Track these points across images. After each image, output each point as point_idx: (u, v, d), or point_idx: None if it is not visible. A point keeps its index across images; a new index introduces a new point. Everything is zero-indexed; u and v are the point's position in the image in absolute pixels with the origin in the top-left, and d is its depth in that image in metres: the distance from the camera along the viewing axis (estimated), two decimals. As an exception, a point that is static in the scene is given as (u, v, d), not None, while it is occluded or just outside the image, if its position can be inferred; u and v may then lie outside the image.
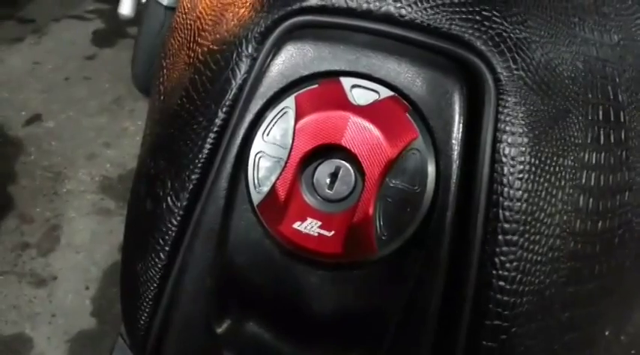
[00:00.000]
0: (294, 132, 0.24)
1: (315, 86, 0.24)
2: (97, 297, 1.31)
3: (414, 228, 0.23)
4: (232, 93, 0.26)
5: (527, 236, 0.23)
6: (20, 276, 1.35)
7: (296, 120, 0.24)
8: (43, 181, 1.59)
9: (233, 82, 0.26)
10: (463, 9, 0.24)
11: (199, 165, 0.26)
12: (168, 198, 0.27)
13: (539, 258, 0.23)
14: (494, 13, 0.24)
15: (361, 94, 0.24)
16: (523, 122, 0.23)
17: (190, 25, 0.31)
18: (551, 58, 0.24)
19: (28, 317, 1.26)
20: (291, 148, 0.24)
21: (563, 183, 0.24)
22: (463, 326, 0.24)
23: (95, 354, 1.18)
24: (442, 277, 0.24)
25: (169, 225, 0.27)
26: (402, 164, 0.23)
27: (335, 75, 0.24)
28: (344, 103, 0.24)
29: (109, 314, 1.27)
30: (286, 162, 0.24)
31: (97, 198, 1.56)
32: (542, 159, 0.24)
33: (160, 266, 0.27)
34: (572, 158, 0.24)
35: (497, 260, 0.23)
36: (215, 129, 0.26)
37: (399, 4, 0.24)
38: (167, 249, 0.27)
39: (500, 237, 0.23)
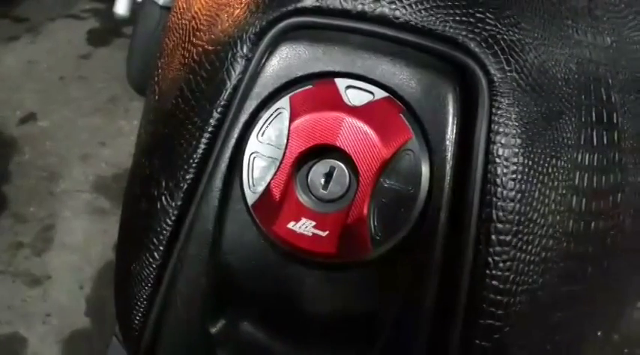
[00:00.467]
0: (288, 133, 0.24)
1: (310, 87, 0.24)
2: (92, 297, 1.31)
3: (408, 228, 0.23)
4: (227, 93, 0.26)
5: (520, 236, 0.23)
6: (14, 276, 1.35)
7: (290, 121, 0.24)
8: (37, 181, 1.59)
9: (228, 82, 0.26)
10: (457, 11, 0.24)
11: (194, 165, 0.26)
12: (163, 198, 0.27)
13: (532, 258, 0.24)
14: (488, 15, 0.24)
15: (356, 95, 0.24)
16: (516, 123, 0.24)
17: (185, 25, 0.31)
18: (545, 60, 0.25)
19: (23, 317, 1.26)
20: (286, 148, 0.24)
21: (556, 183, 0.24)
22: (457, 325, 0.24)
23: (90, 354, 1.18)
24: (436, 277, 0.24)
25: (164, 225, 0.27)
26: (396, 164, 0.23)
27: (330, 76, 0.25)
28: (338, 104, 0.24)
29: (103, 313, 1.27)
30: (281, 163, 0.24)
31: (92, 198, 1.56)
32: (536, 160, 0.24)
33: (154, 266, 0.27)
34: (565, 159, 0.24)
35: (490, 260, 0.23)
36: (210, 129, 0.26)
37: (393, 6, 0.25)
38: (161, 248, 0.27)
39: (493, 237, 0.23)
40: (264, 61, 0.26)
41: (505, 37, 0.24)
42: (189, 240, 0.26)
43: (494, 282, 0.23)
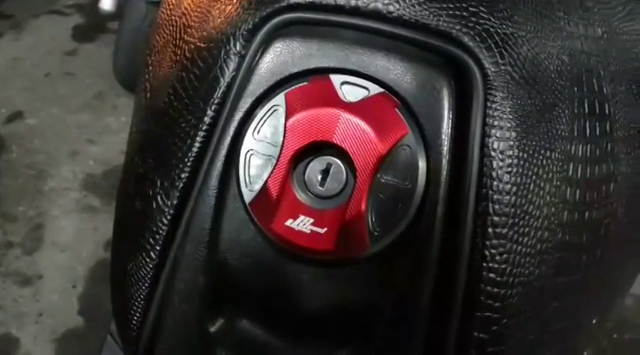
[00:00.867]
0: (284, 130, 0.24)
1: (305, 83, 0.24)
2: (84, 295, 1.30)
3: (406, 223, 0.24)
4: (221, 91, 0.26)
5: (516, 228, 0.24)
6: (5, 276, 1.34)
7: (286, 118, 0.24)
8: (25, 179, 1.57)
9: (221, 79, 0.26)
10: (450, 5, 0.24)
11: (189, 163, 0.26)
12: (158, 197, 0.27)
13: (528, 250, 0.24)
14: (481, 8, 0.24)
15: (351, 91, 0.24)
16: (511, 116, 0.24)
17: (176, 21, 0.31)
18: (538, 53, 0.25)
19: (14, 317, 1.25)
20: (282, 146, 0.24)
21: (550, 175, 0.24)
22: (454, 318, 0.24)
23: (83, 353, 1.18)
24: (433, 271, 0.24)
25: (160, 225, 0.27)
26: (393, 160, 0.24)
27: (324, 72, 0.24)
28: (334, 100, 0.24)
29: (96, 312, 1.27)
30: (277, 160, 0.24)
31: (81, 196, 1.55)
32: (530, 152, 0.24)
33: (151, 265, 0.27)
34: (559, 151, 0.24)
35: (487, 253, 0.23)
36: (204, 127, 0.26)
37: (387, 1, 0.25)
38: (158, 248, 0.27)
39: (490, 230, 0.23)
40: (257, 57, 0.25)
41: (498, 30, 0.24)
42: (186, 239, 0.26)
43: (491, 275, 0.24)
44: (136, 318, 0.28)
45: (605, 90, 0.26)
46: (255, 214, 0.24)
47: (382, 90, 0.24)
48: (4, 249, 1.39)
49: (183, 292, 0.26)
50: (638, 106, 0.27)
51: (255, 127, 0.25)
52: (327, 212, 0.24)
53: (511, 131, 0.24)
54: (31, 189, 1.55)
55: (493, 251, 0.24)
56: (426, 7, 0.24)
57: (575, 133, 0.25)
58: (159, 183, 0.27)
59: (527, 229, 0.24)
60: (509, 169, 0.24)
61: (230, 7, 0.27)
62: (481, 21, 0.24)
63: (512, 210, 0.24)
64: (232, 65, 0.26)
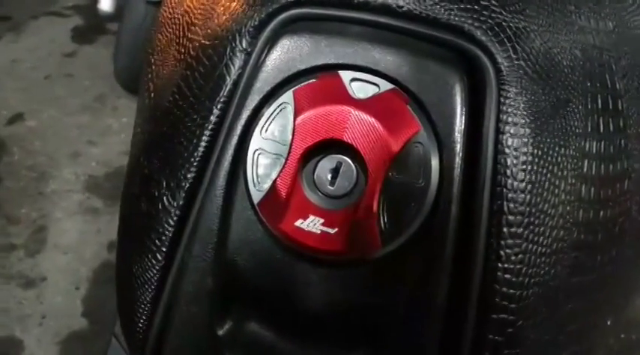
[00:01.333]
0: (293, 128, 0.23)
1: (314, 80, 0.24)
2: (88, 297, 1.30)
3: (419, 222, 0.23)
4: (227, 89, 0.25)
5: (531, 227, 0.23)
6: (8, 278, 1.33)
7: (295, 116, 0.23)
8: (27, 181, 1.57)
9: (227, 77, 0.25)
10: None
11: (195, 163, 0.26)
12: (164, 198, 0.26)
13: (543, 250, 0.23)
14: (493, 2, 0.24)
15: (361, 88, 0.24)
16: (525, 112, 0.23)
17: (179, 19, 0.30)
18: (550, 47, 0.24)
19: (18, 319, 1.25)
20: (291, 144, 0.23)
21: (565, 173, 0.24)
22: (469, 320, 0.23)
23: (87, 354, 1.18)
24: (447, 271, 0.23)
25: (166, 226, 0.26)
26: (405, 158, 0.23)
27: (333, 68, 0.24)
28: (344, 97, 0.23)
29: (100, 314, 1.26)
30: (286, 159, 0.23)
31: (84, 198, 1.54)
32: (545, 149, 0.23)
33: (157, 267, 0.26)
34: (573, 147, 0.24)
35: (502, 253, 0.23)
36: (210, 126, 0.25)
37: None
38: (164, 250, 0.26)
39: (505, 229, 0.23)
40: (264, 54, 0.25)
41: (511, 24, 0.24)
42: (193, 241, 0.26)
43: (506, 276, 0.23)
44: (142, 321, 0.27)
45: (617, 85, 0.25)
46: (264, 214, 0.24)
47: (393, 86, 0.23)
48: (7, 252, 1.38)
49: (191, 294, 0.26)
50: None
51: (263, 126, 0.24)
52: (337, 212, 0.23)
53: (525, 127, 0.23)
54: (33, 192, 1.55)
55: (508, 251, 0.23)
56: (436, 1, 0.24)
57: (589, 130, 0.24)
58: (164, 184, 0.26)
59: (542, 228, 0.23)
60: (524, 167, 0.23)
61: (235, 3, 0.27)
62: (493, 15, 0.24)
63: (527, 208, 0.23)
64: (238, 62, 0.25)
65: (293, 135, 0.23)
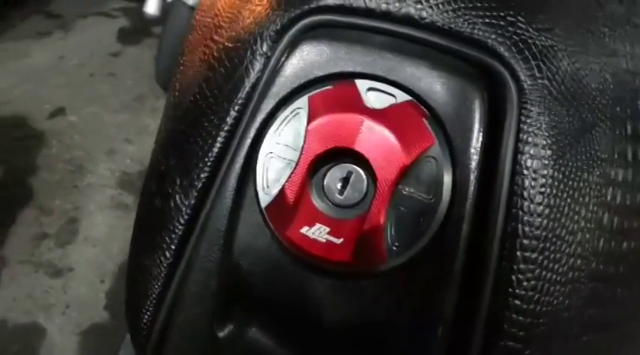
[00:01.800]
0: (305, 134, 0.23)
1: (330, 87, 0.24)
2: (112, 291, 1.32)
3: (427, 239, 0.22)
4: (245, 91, 0.25)
5: (546, 253, 0.22)
6: (37, 266, 1.37)
7: (308, 122, 0.23)
8: (63, 174, 1.62)
9: (246, 80, 0.25)
10: (487, 13, 0.23)
11: (209, 163, 0.26)
12: (177, 197, 0.26)
13: (558, 278, 0.22)
14: (520, 18, 0.23)
15: (377, 98, 0.23)
16: (547, 133, 0.22)
17: (208, 22, 0.31)
18: (578, 68, 0.23)
19: (43, 308, 1.28)
20: (302, 150, 0.23)
21: (587, 199, 0.23)
22: (475, 345, 0.23)
23: (106, 347, 1.19)
24: (454, 293, 0.23)
25: (177, 224, 0.26)
26: (416, 171, 0.22)
27: (350, 76, 0.24)
28: (358, 106, 0.23)
29: (121, 308, 1.28)
30: (296, 165, 0.23)
31: (116, 193, 1.58)
32: (566, 173, 0.22)
33: (165, 264, 0.27)
34: (597, 174, 0.23)
35: (514, 277, 0.22)
36: (226, 128, 0.26)
37: (419, 6, 0.24)
38: (173, 247, 0.26)
39: (518, 253, 0.22)
40: (283, 59, 0.25)
41: (537, 42, 0.23)
42: (201, 240, 0.26)
43: (516, 302, 0.22)
44: (147, 317, 0.27)
45: None
46: (271, 219, 0.24)
47: (410, 98, 0.23)
48: (38, 240, 1.42)
49: (195, 294, 0.26)
50: None
51: (277, 130, 0.24)
52: (345, 222, 0.23)
53: (546, 149, 0.22)
54: (68, 184, 1.59)
55: (520, 276, 0.22)
56: (460, 14, 0.23)
57: (616, 156, 0.23)
58: (178, 182, 0.27)
59: (558, 255, 0.22)
60: (543, 189, 0.22)
61: (260, 7, 0.27)
62: (519, 31, 0.23)
63: (544, 233, 0.22)
64: (258, 66, 0.25)
65: (304, 141, 0.23)
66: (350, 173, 0.23)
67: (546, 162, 0.22)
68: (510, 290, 0.22)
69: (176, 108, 0.30)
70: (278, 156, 0.24)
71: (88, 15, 2.32)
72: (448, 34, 0.23)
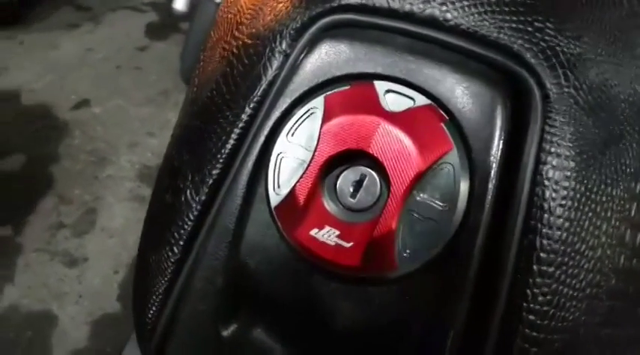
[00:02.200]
0: (319, 135, 0.23)
1: (347, 88, 0.23)
2: (125, 282, 1.33)
3: (440, 247, 0.22)
4: (262, 89, 0.25)
5: (564, 268, 0.21)
6: (53, 255, 1.39)
7: (323, 122, 0.23)
8: (85, 165, 1.64)
9: (263, 77, 0.25)
10: (514, 18, 0.22)
11: (221, 160, 0.25)
12: (188, 192, 0.26)
13: (575, 294, 0.21)
14: (548, 24, 0.22)
15: (395, 100, 0.23)
16: (571, 144, 0.22)
17: (230, 18, 0.31)
18: (607, 78, 0.22)
19: (56, 296, 1.29)
20: (315, 151, 0.23)
21: (609, 214, 0.22)
22: None
23: (116, 338, 1.20)
24: (466, 304, 0.22)
25: (186, 219, 0.26)
26: (432, 177, 0.22)
27: (369, 78, 0.23)
28: (375, 108, 0.22)
29: (133, 301, 1.29)
30: (308, 166, 0.23)
31: (135, 186, 1.59)
32: (589, 186, 0.22)
33: (172, 260, 0.26)
34: (621, 188, 0.22)
35: (529, 291, 0.21)
36: (241, 124, 0.25)
37: (444, 8, 0.23)
38: (181, 243, 0.26)
39: (535, 266, 0.21)
40: (302, 57, 0.24)
41: (565, 49, 0.22)
42: (210, 237, 0.25)
43: (530, 317, 0.21)
44: (152, 311, 0.27)
45: None
46: (280, 219, 0.23)
47: (429, 102, 0.22)
48: (55, 229, 1.44)
49: (201, 291, 0.25)
50: None
51: (290, 129, 0.23)
52: (355, 225, 0.22)
53: (569, 160, 0.21)
54: (89, 175, 1.61)
55: (536, 290, 0.21)
56: (486, 17, 0.23)
57: None
58: (190, 178, 0.26)
59: (576, 270, 0.21)
60: (564, 202, 0.21)
61: (281, 4, 0.26)
62: (547, 38, 0.22)
63: (562, 247, 0.21)
64: (276, 63, 0.25)
65: (318, 141, 0.23)
66: (363, 176, 0.22)
67: (569, 173, 0.21)
68: (525, 304, 0.21)
69: (193, 103, 0.30)
70: (291, 155, 0.23)
71: (118, 9, 2.35)
72: (473, 38, 0.23)
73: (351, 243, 0.22)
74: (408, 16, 0.23)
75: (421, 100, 0.22)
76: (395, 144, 0.22)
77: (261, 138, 0.24)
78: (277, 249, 0.24)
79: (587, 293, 0.22)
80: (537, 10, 0.23)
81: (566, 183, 0.21)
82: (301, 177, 0.23)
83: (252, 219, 0.24)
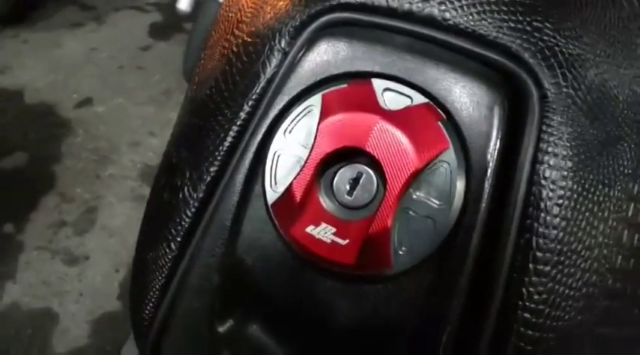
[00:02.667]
0: (316, 132, 0.23)
1: (345, 86, 0.23)
2: (126, 281, 1.33)
3: (436, 245, 0.22)
4: (260, 87, 0.25)
5: (560, 267, 0.21)
6: (54, 253, 1.39)
7: (320, 120, 0.23)
8: (86, 163, 1.64)
9: (262, 75, 0.25)
10: (513, 17, 0.22)
11: (219, 157, 0.25)
12: (185, 189, 0.26)
13: (571, 293, 0.21)
14: (547, 24, 0.22)
15: (393, 99, 0.23)
16: (568, 144, 0.22)
17: (231, 17, 0.31)
18: (606, 79, 0.22)
19: (57, 294, 1.30)
20: (312, 148, 0.23)
21: (606, 214, 0.22)
22: None
23: (116, 336, 1.20)
24: (461, 302, 0.22)
25: (183, 216, 0.26)
26: (428, 176, 0.22)
27: (367, 76, 0.23)
28: (373, 106, 0.22)
29: (133, 299, 1.29)
30: (305, 163, 0.23)
31: (136, 185, 1.60)
32: (586, 186, 0.22)
33: (169, 257, 0.26)
34: (619, 189, 0.22)
35: (524, 290, 0.21)
36: (239, 122, 0.25)
37: (443, 7, 0.23)
38: (179, 240, 0.26)
39: (530, 265, 0.21)
40: (300, 55, 0.24)
41: (564, 49, 0.22)
42: (206, 234, 0.25)
43: (526, 315, 0.21)
44: (149, 308, 0.27)
45: None
46: (277, 216, 0.23)
47: (427, 101, 0.22)
48: (57, 228, 1.45)
49: (197, 287, 0.25)
50: None
51: (288, 126, 0.23)
52: (351, 223, 0.22)
53: (567, 160, 0.21)
54: (91, 174, 1.61)
55: (531, 289, 0.21)
56: (485, 17, 0.23)
57: None
58: (188, 175, 0.26)
59: (572, 270, 0.21)
60: (560, 201, 0.21)
61: (281, 3, 0.26)
62: (545, 37, 0.22)
63: (559, 246, 0.21)
64: (275, 61, 0.25)
65: (315, 139, 0.23)
66: (360, 174, 0.22)
67: (566, 173, 0.21)
68: (520, 302, 0.21)
69: (192, 101, 0.30)
70: (288, 153, 0.23)
71: (122, 8, 2.35)
72: (471, 37, 0.23)
73: (347, 241, 0.22)
74: (407, 15, 0.23)
75: (419, 99, 0.22)
76: (392, 142, 0.22)
77: (259, 136, 0.24)
78: (274, 246, 0.24)
79: (584, 292, 0.22)
80: (536, 9, 0.23)
81: (563, 183, 0.21)
82: (298, 175, 0.23)
83: (248, 216, 0.24)
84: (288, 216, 0.23)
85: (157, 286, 0.27)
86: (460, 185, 0.22)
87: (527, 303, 0.21)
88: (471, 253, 0.22)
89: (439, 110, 0.22)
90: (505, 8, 0.23)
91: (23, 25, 2.20)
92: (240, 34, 0.28)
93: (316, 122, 0.23)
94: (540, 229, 0.21)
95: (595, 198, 0.22)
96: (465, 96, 0.22)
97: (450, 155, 0.22)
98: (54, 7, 2.32)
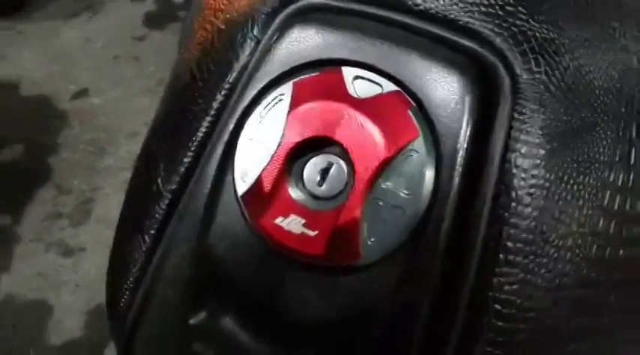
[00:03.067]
0: (286, 121, 0.22)
1: (316, 74, 0.23)
2: (122, 273, 1.33)
3: (405, 236, 0.21)
4: (233, 76, 0.25)
5: (532, 257, 0.21)
6: (49, 245, 1.39)
7: (290, 109, 0.22)
8: (83, 155, 1.63)
9: (235, 64, 0.25)
10: (484, 2, 0.22)
11: (192, 148, 0.25)
12: (159, 180, 0.26)
13: (544, 284, 0.21)
14: (520, 9, 0.22)
15: (363, 87, 0.22)
16: (541, 132, 0.21)
17: (211, 4, 0.30)
18: (582, 64, 0.22)
19: (52, 286, 1.30)
20: (282, 138, 0.22)
21: (581, 202, 0.21)
22: (451, 349, 0.22)
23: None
24: (431, 293, 0.22)
25: (157, 208, 0.26)
26: (397, 165, 0.21)
27: (338, 63, 0.23)
28: (342, 95, 0.22)
29: (130, 290, 1.29)
30: (275, 153, 0.22)
31: (133, 176, 1.59)
32: (560, 174, 0.21)
33: (144, 248, 0.26)
34: (594, 176, 0.22)
35: (495, 280, 0.21)
36: (212, 112, 0.25)
37: None
38: (152, 232, 0.26)
39: (501, 255, 0.21)
40: (272, 43, 0.24)
41: (537, 34, 0.22)
42: (180, 226, 0.25)
43: (496, 306, 0.21)
44: (123, 300, 0.27)
45: None
46: (246, 207, 0.23)
47: (397, 88, 0.22)
48: (52, 219, 1.44)
49: (170, 278, 0.25)
50: None
51: (259, 116, 0.23)
52: (320, 214, 0.22)
53: (539, 148, 0.21)
54: (88, 165, 1.61)
55: (502, 279, 0.21)
56: (456, 1, 0.22)
57: (617, 159, 0.22)
58: (162, 166, 0.26)
59: (545, 260, 0.21)
60: (532, 190, 0.21)
61: None
62: (518, 22, 0.22)
63: (530, 236, 0.21)
64: (247, 50, 0.25)
65: (285, 128, 0.22)
66: (330, 164, 0.22)
67: (538, 161, 0.21)
68: (491, 293, 0.21)
69: (169, 91, 0.30)
70: (258, 142, 0.23)
71: (116, -2, 2.33)
72: (442, 22, 0.22)
73: (315, 232, 0.22)
74: (378, 1, 0.23)
75: (389, 87, 0.22)
76: (360, 131, 0.21)
77: (231, 126, 0.24)
78: (244, 237, 0.23)
79: (557, 282, 0.21)
80: None
81: (535, 171, 0.21)
82: (267, 165, 0.22)
83: (220, 207, 0.24)
84: (258, 207, 0.23)
85: (132, 278, 0.27)
86: (430, 174, 0.21)
87: (498, 294, 0.21)
88: (442, 243, 0.21)
89: (409, 98, 0.22)
90: None
91: (18, 16, 2.18)
92: (216, 21, 0.28)
93: (286, 111, 0.22)
94: (512, 219, 0.21)
95: (569, 186, 0.21)
96: (435, 83, 0.22)
97: (419, 144, 0.21)
98: (49, -3, 2.30)
